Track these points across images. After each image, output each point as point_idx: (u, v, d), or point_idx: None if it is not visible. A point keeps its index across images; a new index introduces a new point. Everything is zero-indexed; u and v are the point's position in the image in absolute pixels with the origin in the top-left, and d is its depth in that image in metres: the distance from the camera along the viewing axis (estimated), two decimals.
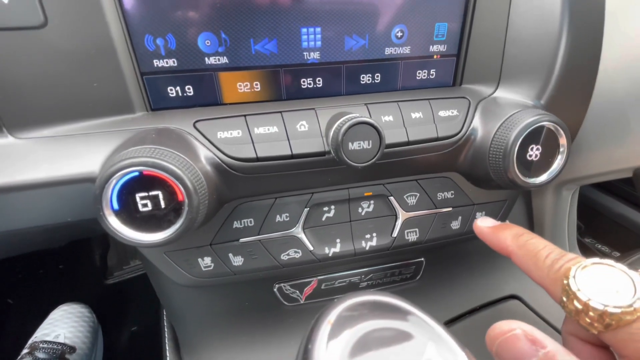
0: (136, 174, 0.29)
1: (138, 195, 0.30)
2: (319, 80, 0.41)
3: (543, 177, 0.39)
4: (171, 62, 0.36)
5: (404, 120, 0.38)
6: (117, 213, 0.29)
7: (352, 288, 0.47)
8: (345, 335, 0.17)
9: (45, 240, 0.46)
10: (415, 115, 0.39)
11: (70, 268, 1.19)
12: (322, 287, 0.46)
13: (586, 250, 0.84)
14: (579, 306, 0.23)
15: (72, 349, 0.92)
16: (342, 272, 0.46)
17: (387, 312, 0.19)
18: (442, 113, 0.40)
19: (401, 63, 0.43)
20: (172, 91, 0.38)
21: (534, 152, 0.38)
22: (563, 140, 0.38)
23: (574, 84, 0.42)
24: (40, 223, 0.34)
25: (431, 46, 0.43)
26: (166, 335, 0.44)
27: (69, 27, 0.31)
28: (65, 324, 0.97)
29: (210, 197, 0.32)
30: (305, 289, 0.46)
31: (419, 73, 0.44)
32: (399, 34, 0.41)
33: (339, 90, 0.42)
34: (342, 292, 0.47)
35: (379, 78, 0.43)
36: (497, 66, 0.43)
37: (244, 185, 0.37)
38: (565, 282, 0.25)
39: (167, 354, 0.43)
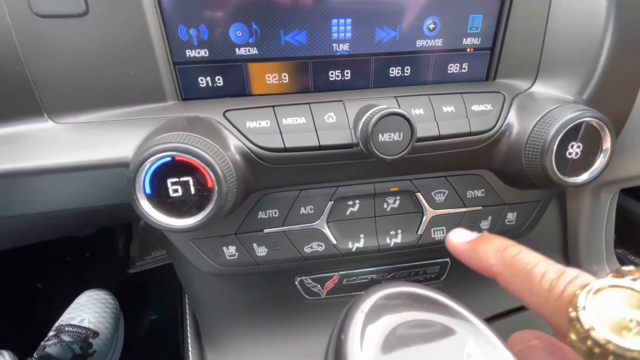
0: (168, 159, 0.29)
1: (169, 181, 0.30)
2: (347, 73, 0.41)
3: (584, 177, 0.36)
4: (203, 53, 0.37)
5: (435, 114, 0.37)
6: (149, 197, 0.30)
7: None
8: (380, 326, 0.17)
9: (75, 225, 0.47)
10: (447, 109, 0.38)
11: (95, 256, 1.24)
12: (344, 282, 0.45)
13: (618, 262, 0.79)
14: (596, 349, 0.17)
15: (96, 334, 0.96)
16: (364, 269, 0.45)
17: (424, 304, 0.18)
18: (475, 107, 0.39)
19: (432, 56, 0.42)
20: (203, 81, 0.38)
21: (575, 150, 0.36)
22: (607, 138, 0.36)
23: (619, 78, 0.39)
24: (73, 206, 0.35)
25: (464, 39, 0.41)
26: (187, 323, 0.45)
27: (108, 16, 0.32)
28: (89, 309, 1.01)
29: (238, 186, 0.33)
30: (326, 284, 0.45)
31: (451, 66, 0.42)
32: (432, 26, 0.40)
33: (367, 83, 0.41)
34: (363, 289, 0.46)
35: (408, 71, 0.42)
36: (535, 60, 0.41)
37: (270, 175, 0.37)
38: (572, 314, 0.18)
39: (189, 341, 0.43)
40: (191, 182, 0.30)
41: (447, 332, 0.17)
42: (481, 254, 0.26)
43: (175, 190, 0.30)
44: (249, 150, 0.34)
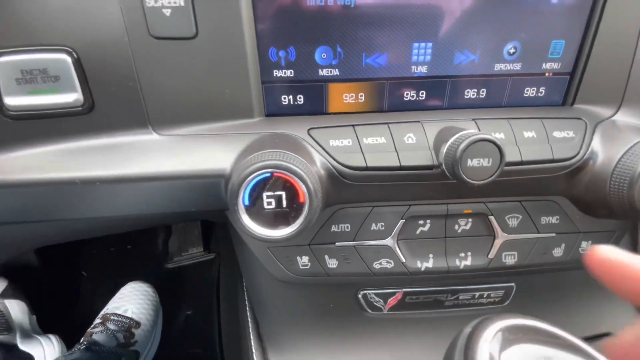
0: (268, 174, 0.32)
1: (265, 194, 0.32)
2: (422, 94, 0.41)
3: None
4: (288, 73, 0.39)
5: (516, 139, 0.37)
6: (247, 208, 0.32)
7: (437, 305, 0.46)
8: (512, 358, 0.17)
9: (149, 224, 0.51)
10: (528, 134, 0.38)
11: (136, 249, 1.31)
12: (407, 300, 0.45)
13: None
14: None
15: (138, 324, 1.01)
16: (429, 288, 0.45)
17: (548, 339, 0.19)
18: (556, 134, 0.38)
19: (510, 79, 0.42)
20: (285, 99, 0.40)
21: None
22: None
23: None
24: (168, 211, 0.38)
25: (544, 63, 0.41)
26: (250, 325, 0.47)
27: (214, 39, 0.35)
28: (133, 300, 1.07)
29: (322, 201, 0.34)
30: (389, 300, 0.46)
31: (527, 90, 0.42)
32: (512, 50, 0.40)
33: (441, 103, 0.42)
34: (425, 308, 0.46)
35: (484, 93, 0.42)
36: (620, 87, 0.40)
37: (346, 191, 0.38)
38: None
39: (252, 343, 0.45)
40: (284, 197, 0.32)
41: None
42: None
43: (270, 203, 0.32)
44: (332, 168, 0.36)
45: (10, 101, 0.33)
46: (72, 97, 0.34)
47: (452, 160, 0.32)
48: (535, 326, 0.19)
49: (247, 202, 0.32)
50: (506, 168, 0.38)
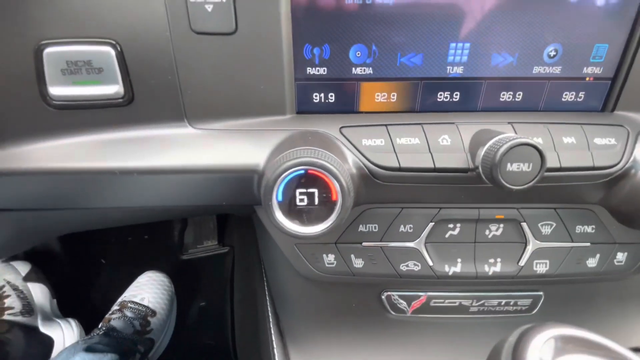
0: (302, 171, 0.32)
1: (298, 191, 0.32)
2: (456, 95, 0.41)
3: None
4: (322, 71, 0.39)
5: (555, 144, 0.36)
6: (280, 204, 0.32)
7: (462, 311, 0.46)
8: None
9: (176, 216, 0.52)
10: (568, 140, 0.37)
11: (153, 239, 1.34)
12: (431, 303, 0.45)
13: None
14: None
15: (154, 313, 1.03)
16: (454, 292, 0.45)
17: (599, 351, 0.18)
18: (597, 140, 0.37)
19: (548, 83, 0.40)
20: (317, 97, 0.40)
21: None
22: None
23: None
24: (198, 203, 0.39)
25: (585, 67, 0.40)
26: (270, 321, 0.47)
27: (252, 35, 0.35)
28: (149, 289, 1.09)
29: (354, 199, 0.34)
30: (413, 302, 0.45)
31: (566, 95, 0.41)
32: (552, 53, 0.39)
33: (476, 105, 0.41)
34: (450, 312, 0.46)
35: (520, 96, 0.41)
36: None
37: (376, 191, 0.38)
38: None
39: (273, 338, 0.46)
40: (316, 194, 0.32)
41: None
42: None
43: (302, 200, 0.32)
44: (364, 167, 0.36)
45: (55, 91, 0.34)
46: (114, 89, 0.34)
47: (490, 163, 0.31)
48: (585, 337, 0.19)
49: (280, 198, 0.32)
50: (544, 174, 0.37)
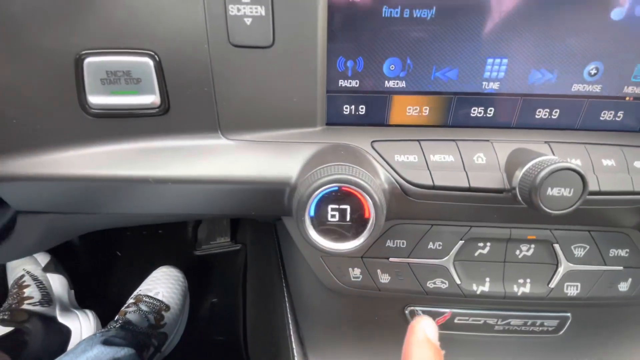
0: (335, 188, 0.31)
1: (330, 207, 0.32)
2: (490, 111, 0.40)
3: None
4: (354, 83, 0.39)
5: (594, 167, 0.35)
6: (311, 219, 0.32)
7: (486, 329, 0.45)
8: None
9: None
10: (607, 162, 0.36)
11: (167, 234, 1.36)
12: (455, 320, 0.44)
13: None
14: None
15: (167, 307, 1.05)
16: (479, 310, 0.44)
17: None
18: (637, 164, 0.36)
19: (587, 101, 0.39)
20: (347, 109, 0.40)
21: None
22: None
23: None
24: (227, 212, 0.39)
25: (626, 87, 0.38)
26: (291, 329, 0.47)
27: (289, 48, 0.35)
28: (164, 283, 1.11)
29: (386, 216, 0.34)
30: (437, 319, 0.45)
31: (604, 114, 0.40)
32: (593, 72, 0.38)
33: (510, 122, 0.40)
34: (474, 330, 0.45)
35: (557, 114, 0.40)
36: None
37: (406, 208, 0.38)
38: None
39: (294, 346, 0.46)
40: (348, 211, 0.32)
41: None
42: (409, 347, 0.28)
43: (334, 216, 0.32)
44: (396, 184, 0.35)
45: (94, 100, 0.35)
46: (150, 99, 0.35)
47: (529, 186, 0.31)
48: None
49: (312, 214, 0.32)
50: None
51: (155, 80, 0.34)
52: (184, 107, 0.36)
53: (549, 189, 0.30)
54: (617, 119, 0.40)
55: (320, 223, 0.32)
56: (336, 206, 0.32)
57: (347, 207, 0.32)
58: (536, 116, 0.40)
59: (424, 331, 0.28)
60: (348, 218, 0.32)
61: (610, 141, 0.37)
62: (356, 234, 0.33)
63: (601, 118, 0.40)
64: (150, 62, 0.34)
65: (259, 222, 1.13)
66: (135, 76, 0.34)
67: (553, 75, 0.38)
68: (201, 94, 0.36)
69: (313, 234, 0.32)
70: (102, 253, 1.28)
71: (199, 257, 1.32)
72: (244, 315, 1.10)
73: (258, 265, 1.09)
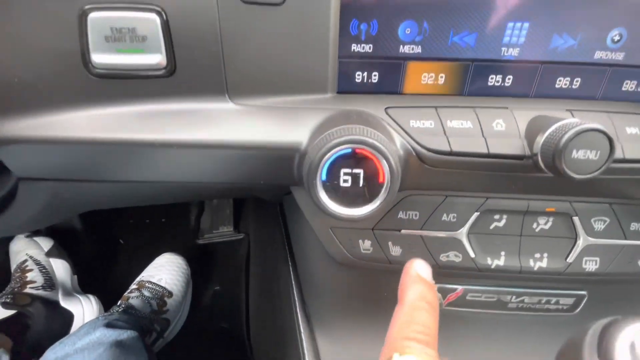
0: (349, 150, 0.30)
1: (342, 171, 0.31)
2: (508, 79, 0.38)
3: None
4: (367, 48, 0.37)
5: (618, 135, 0.34)
6: (323, 184, 0.31)
7: (499, 306, 0.44)
8: None
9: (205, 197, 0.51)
10: (631, 130, 0.34)
11: (170, 223, 1.35)
12: (467, 297, 0.43)
13: None
14: None
15: (170, 294, 1.04)
16: (492, 287, 0.43)
17: None
18: None
19: (609, 69, 0.38)
20: (359, 76, 0.38)
21: None
22: None
23: None
24: (234, 180, 0.38)
25: None
26: (297, 305, 0.46)
27: (300, 7, 0.33)
28: (167, 270, 1.10)
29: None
30: (449, 295, 0.44)
31: (626, 83, 0.38)
32: (617, 38, 0.36)
33: (528, 91, 0.39)
34: (487, 308, 0.44)
35: (577, 83, 0.38)
36: None
37: (421, 177, 0.36)
38: None
39: (300, 322, 0.45)
40: (362, 175, 0.31)
41: None
42: (405, 286, 0.30)
43: (346, 181, 0.31)
44: (412, 150, 0.34)
45: (97, 58, 0.33)
46: (156, 58, 0.33)
47: (553, 150, 0.29)
48: None
49: (324, 178, 0.31)
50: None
51: (162, 38, 0.33)
52: (191, 68, 0.34)
53: (574, 151, 0.29)
54: (639, 89, 0.38)
55: (332, 187, 0.31)
56: (349, 170, 0.31)
57: (361, 171, 0.31)
58: (556, 85, 0.38)
59: (416, 270, 0.30)
60: (361, 183, 0.31)
61: (633, 110, 0.36)
62: (369, 199, 0.31)
63: (623, 88, 0.38)
64: (157, 19, 0.32)
65: (262, 209, 1.12)
66: (141, 34, 0.33)
67: (576, 41, 0.36)
68: (209, 55, 0.34)
69: (324, 198, 0.31)
70: (106, 241, 1.28)
71: (201, 246, 1.32)
72: (247, 302, 1.10)
73: (261, 253, 1.08)
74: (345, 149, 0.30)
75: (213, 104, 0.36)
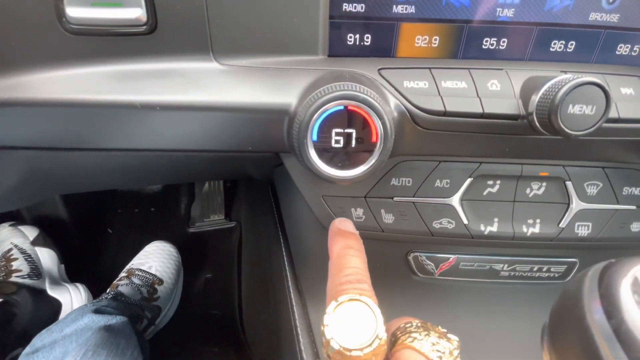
0: (341, 107, 0.29)
1: (334, 131, 0.30)
2: (503, 42, 0.37)
3: None
4: (359, 7, 0.36)
5: (612, 95, 0.33)
6: (315, 144, 0.30)
7: (491, 275, 0.44)
8: None
9: (200, 174, 0.49)
10: (626, 90, 0.34)
11: (160, 211, 1.33)
12: (460, 266, 0.43)
13: None
14: (324, 340, 0.23)
15: (161, 281, 1.03)
16: (485, 255, 0.43)
17: None
18: None
19: (603, 32, 0.37)
20: (351, 39, 0.37)
21: None
22: None
23: None
24: (221, 147, 0.37)
25: None
26: (290, 280, 0.46)
27: None
28: (157, 258, 1.08)
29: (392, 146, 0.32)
30: (441, 264, 0.44)
31: (620, 47, 0.38)
32: None
33: (523, 55, 0.38)
34: (479, 277, 0.44)
35: (572, 46, 0.38)
36: None
37: (414, 141, 0.35)
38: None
39: (292, 296, 0.44)
40: (354, 135, 0.30)
41: None
42: (332, 241, 0.32)
43: (337, 142, 0.30)
44: (406, 111, 0.33)
45: (73, 12, 0.31)
46: (136, 13, 0.31)
47: (549, 106, 0.29)
48: None
49: (315, 138, 0.29)
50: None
51: None
52: (173, 25, 0.33)
53: (570, 106, 0.28)
54: (633, 53, 0.38)
55: (323, 148, 0.30)
56: (341, 130, 0.30)
57: (353, 131, 0.30)
58: (551, 48, 0.38)
59: (336, 226, 0.32)
60: (353, 143, 0.30)
61: (628, 72, 0.35)
62: (362, 161, 0.30)
63: (617, 52, 0.38)
64: None
65: (253, 195, 1.11)
66: None
67: (571, 1, 0.36)
68: (192, 10, 0.32)
69: (315, 159, 0.30)
70: (94, 231, 1.25)
71: (192, 235, 1.31)
72: (239, 288, 1.09)
73: (253, 239, 1.07)
74: (337, 106, 0.29)
75: (197, 63, 0.34)
